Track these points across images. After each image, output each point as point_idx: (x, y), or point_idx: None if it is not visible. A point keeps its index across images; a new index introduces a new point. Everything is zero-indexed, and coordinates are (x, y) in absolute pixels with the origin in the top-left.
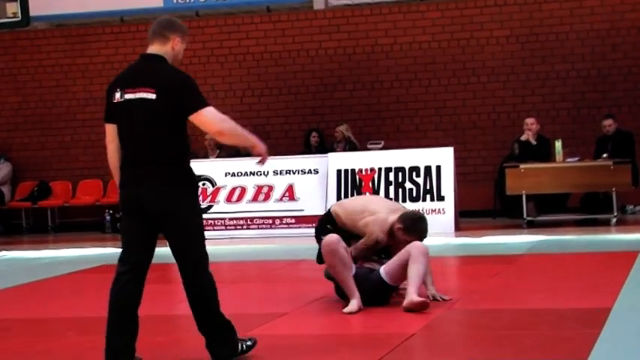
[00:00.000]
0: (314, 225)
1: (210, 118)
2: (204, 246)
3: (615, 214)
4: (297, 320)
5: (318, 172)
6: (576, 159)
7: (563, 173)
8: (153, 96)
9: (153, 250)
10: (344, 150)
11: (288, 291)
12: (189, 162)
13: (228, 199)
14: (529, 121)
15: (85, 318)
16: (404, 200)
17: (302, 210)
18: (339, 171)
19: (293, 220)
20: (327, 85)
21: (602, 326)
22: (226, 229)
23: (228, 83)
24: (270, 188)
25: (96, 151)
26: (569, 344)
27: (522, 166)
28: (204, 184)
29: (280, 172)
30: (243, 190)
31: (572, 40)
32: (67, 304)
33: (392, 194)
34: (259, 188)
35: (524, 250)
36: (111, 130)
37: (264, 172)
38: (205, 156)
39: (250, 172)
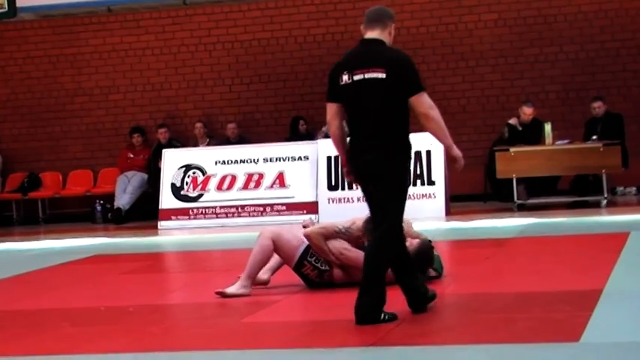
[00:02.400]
0: (305, 212)
1: (426, 101)
2: (400, 215)
3: (605, 196)
4: (288, 307)
5: (308, 159)
6: (566, 142)
7: (553, 156)
8: (383, 75)
9: None
10: None
11: (280, 278)
12: (409, 137)
13: (219, 188)
14: (528, 111)
15: (78, 309)
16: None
17: (293, 197)
18: (329, 157)
19: (284, 208)
20: (316, 71)
21: (594, 308)
22: (217, 218)
23: (216, 71)
24: (261, 176)
25: (86, 141)
26: (561, 326)
27: (512, 149)
28: (194, 173)
29: (270, 160)
30: (234, 178)
31: (561, 23)
32: (60, 295)
33: None
34: (250, 176)
35: (515, 234)
36: (334, 109)
37: (254, 159)
38: (195, 144)
39: (240, 160)
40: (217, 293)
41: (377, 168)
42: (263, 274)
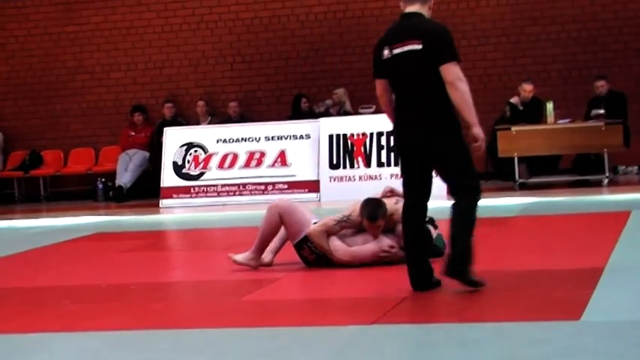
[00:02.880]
0: (306, 190)
1: (455, 70)
2: (473, 177)
3: (607, 175)
4: (289, 286)
5: (309, 137)
6: (568, 120)
7: (554, 135)
8: (419, 47)
9: (429, 184)
10: (338, 114)
11: (281, 256)
12: (450, 105)
13: (221, 166)
14: (527, 87)
15: (79, 286)
16: (396, 164)
17: (294, 175)
18: (330, 136)
19: (286, 186)
20: (318, 50)
21: (595, 286)
22: (219, 196)
23: (218, 50)
24: (262, 154)
25: (87, 119)
26: (563, 305)
27: (514, 128)
28: (196, 151)
29: (272, 138)
30: (235, 156)
31: (563, 2)
32: (61, 272)
33: (384, 158)
34: (251, 154)
35: (517, 212)
36: (382, 85)
37: (255, 138)
38: (197, 123)
39: (242, 139)
40: (229, 257)
41: (431, 141)
42: (266, 256)
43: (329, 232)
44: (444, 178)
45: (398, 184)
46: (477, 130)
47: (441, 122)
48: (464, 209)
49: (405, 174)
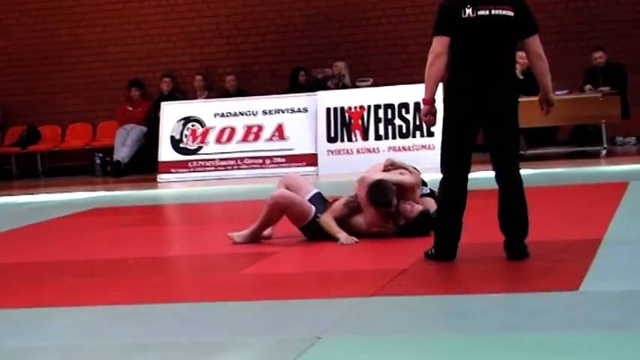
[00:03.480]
0: (304, 164)
1: (539, 43)
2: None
3: (604, 146)
4: (288, 259)
5: (307, 111)
6: (565, 92)
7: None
8: (512, 13)
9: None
10: (336, 87)
11: (279, 230)
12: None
13: (218, 140)
14: (520, 54)
15: (78, 261)
16: (394, 137)
17: (292, 149)
18: (328, 109)
19: (283, 160)
20: (315, 23)
21: (593, 257)
22: (216, 170)
23: (214, 24)
24: (260, 128)
25: (84, 94)
26: (561, 275)
27: None
28: (193, 125)
29: (269, 112)
30: (233, 130)
31: None
32: (60, 247)
33: (382, 131)
34: (249, 128)
35: None
36: (446, 42)
37: (253, 111)
38: (194, 97)
39: (239, 113)
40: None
41: (504, 106)
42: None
43: (337, 217)
44: (500, 146)
45: (397, 157)
46: (553, 96)
47: (513, 89)
48: (520, 184)
49: (455, 143)
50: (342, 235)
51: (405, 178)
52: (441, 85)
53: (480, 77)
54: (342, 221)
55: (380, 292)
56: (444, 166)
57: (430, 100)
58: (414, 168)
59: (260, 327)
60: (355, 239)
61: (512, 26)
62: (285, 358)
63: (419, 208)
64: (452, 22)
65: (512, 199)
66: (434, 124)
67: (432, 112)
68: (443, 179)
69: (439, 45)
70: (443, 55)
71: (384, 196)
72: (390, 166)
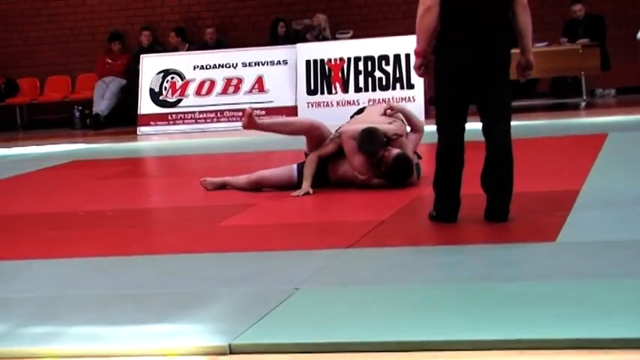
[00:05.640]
0: (284, 116)
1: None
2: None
3: (584, 98)
4: (266, 211)
5: (287, 63)
6: (545, 44)
7: None
8: None
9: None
10: (315, 39)
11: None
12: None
13: (198, 93)
14: None
15: (57, 213)
16: (374, 89)
17: (272, 101)
18: (308, 61)
19: (263, 112)
20: None
21: (571, 208)
22: (196, 123)
23: None
24: (240, 80)
25: (62, 47)
26: (538, 227)
27: None
28: (172, 78)
29: (249, 64)
30: (213, 83)
31: None
32: (39, 200)
33: (362, 84)
34: (228, 81)
35: None
36: None
37: (232, 64)
38: (174, 49)
39: (219, 65)
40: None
41: (500, 59)
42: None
43: (325, 154)
44: (492, 100)
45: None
46: (532, 57)
47: (509, 40)
48: (509, 142)
49: (452, 99)
50: (304, 185)
51: (385, 127)
52: None
53: (475, 29)
54: (333, 169)
55: (357, 244)
56: (442, 124)
57: (423, 52)
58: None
59: (238, 278)
60: (309, 191)
61: None
62: (262, 309)
63: (394, 152)
64: None
65: (502, 156)
66: (425, 77)
67: (426, 65)
68: (442, 138)
69: None
70: (435, 7)
71: (371, 145)
72: (390, 110)
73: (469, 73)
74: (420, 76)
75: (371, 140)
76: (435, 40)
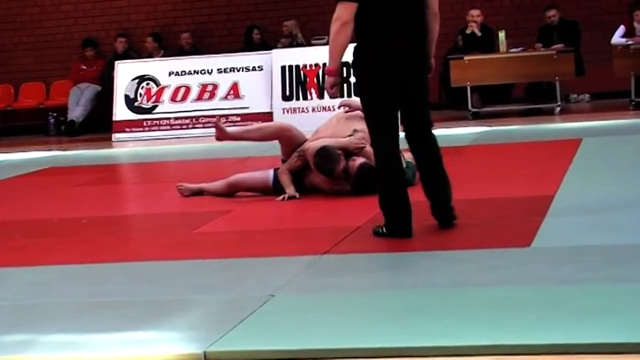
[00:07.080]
0: (260, 122)
1: (437, 3)
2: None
3: (559, 103)
4: (241, 217)
5: (262, 69)
6: (520, 49)
7: (507, 64)
8: None
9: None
10: (290, 46)
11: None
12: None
13: (173, 99)
14: (474, 12)
15: (32, 220)
16: (349, 95)
17: (247, 107)
18: (283, 67)
19: (239, 118)
20: None
21: (545, 213)
22: (172, 129)
23: None
24: (215, 87)
25: (37, 53)
26: (513, 232)
27: (466, 57)
28: (147, 84)
29: (224, 70)
30: (188, 89)
31: None
32: (13, 207)
33: None
34: (204, 87)
35: (470, 142)
36: (353, 9)
37: (208, 70)
38: (149, 55)
39: (194, 71)
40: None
41: (420, 67)
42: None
43: (293, 169)
44: (416, 109)
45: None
46: (434, 61)
47: (426, 50)
48: (438, 148)
49: (380, 109)
50: (288, 191)
51: (345, 141)
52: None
53: (394, 39)
54: (303, 178)
55: (332, 250)
56: (375, 134)
57: (337, 71)
58: None
59: (213, 285)
60: (295, 195)
61: None
62: (238, 316)
63: (358, 162)
64: None
65: (436, 164)
66: (337, 96)
67: (337, 84)
68: (377, 148)
69: (346, 11)
70: (351, 23)
71: (327, 165)
72: (348, 108)
73: (393, 83)
74: (332, 95)
75: (326, 160)
76: (355, 54)
